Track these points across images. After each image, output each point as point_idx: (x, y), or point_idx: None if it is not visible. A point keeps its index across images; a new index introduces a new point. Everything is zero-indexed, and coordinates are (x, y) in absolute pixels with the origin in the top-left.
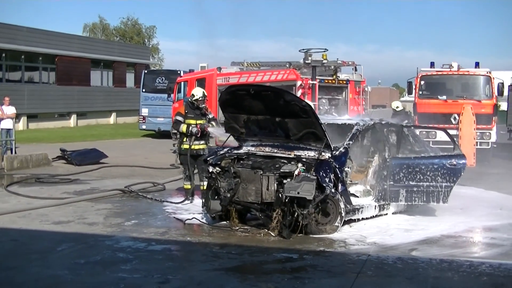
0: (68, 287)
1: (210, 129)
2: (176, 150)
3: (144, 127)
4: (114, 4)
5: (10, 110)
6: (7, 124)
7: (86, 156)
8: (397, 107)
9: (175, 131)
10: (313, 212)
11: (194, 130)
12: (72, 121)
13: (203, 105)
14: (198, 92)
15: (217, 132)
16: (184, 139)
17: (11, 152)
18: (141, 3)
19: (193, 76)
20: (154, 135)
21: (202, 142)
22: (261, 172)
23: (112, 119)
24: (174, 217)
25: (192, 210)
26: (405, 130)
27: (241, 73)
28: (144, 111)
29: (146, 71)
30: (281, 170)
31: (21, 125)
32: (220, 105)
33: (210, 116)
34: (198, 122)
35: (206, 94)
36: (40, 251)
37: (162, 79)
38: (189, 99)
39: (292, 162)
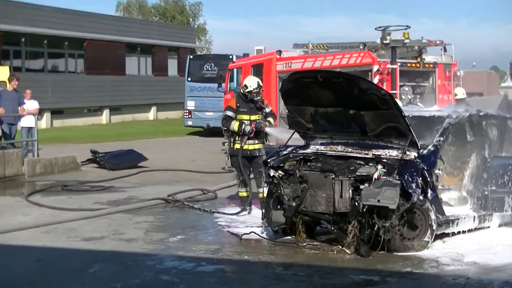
0: None
1: (267, 129)
2: (227, 150)
3: (190, 123)
4: None
5: (32, 105)
6: (29, 121)
7: (121, 159)
8: (456, 94)
9: (225, 128)
10: (397, 224)
11: (248, 129)
12: (104, 117)
13: (258, 97)
14: (251, 82)
15: (276, 132)
16: (236, 138)
17: (33, 155)
18: None
19: (248, 61)
20: (202, 133)
21: (257, 141)
22: (333, 176)
23: (151, 114)
24: (228, 231)
25: (250, 223)
26: (509, 123)
27: (306, 57)
28: (190, 104)
29: (191, 57)
30: (357, 173)
31: (44, 122)
32: (282, 96)
33: (268, 110)
34: (253, 118)
35: (261, 84)
36: (69, 273)
37: (211, 65)
38: (241, 90)
39: (370, 164)
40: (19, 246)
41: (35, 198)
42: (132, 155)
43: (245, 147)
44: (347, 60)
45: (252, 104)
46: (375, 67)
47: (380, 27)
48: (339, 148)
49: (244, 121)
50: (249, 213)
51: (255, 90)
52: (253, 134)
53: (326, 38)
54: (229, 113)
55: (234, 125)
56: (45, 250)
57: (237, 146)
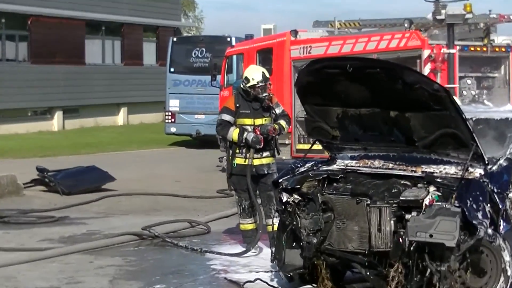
0: None
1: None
2: (224, 166)
3: (173, 129)
4: None
5: None
6: None
7: (79, 180)
8: None
9: (221, 136)
10: (457, 268)
11: (251, 137)
12: (55, 121)
13: (265, 94)
14: (255, 73)
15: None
16: (237, 150)
17: None
18: None
19: (252, 46)
20: (191, 143)
21: (265, 153)
22: (368, 202)
23: (121, 117)
24: (226, 279)
25: (255, 266)
26: None
27: (331, 39)
28: (174, 104)
29: (175, 39)
30: (402, 198)
31: None
32: (298, 93)
33: (278, 111)
34: (258, 122)
35: (268, 76)
36: None
37: (202, 51)
38: (242, 85)
39: (419, 185)
40: None
41: None
42: (94, 174)
43: (252, 162)
44: (387, 43)
45: (257, 104)
46: (426, 52)
47: None
48: (376, 163)
49: (247, 127)
50: (256, 254)
51: (261, 85)
52: (261, 145)
53: (358, 13)
54: (226, 117)
55: (233, 133)
56: None
57: (239, 161)
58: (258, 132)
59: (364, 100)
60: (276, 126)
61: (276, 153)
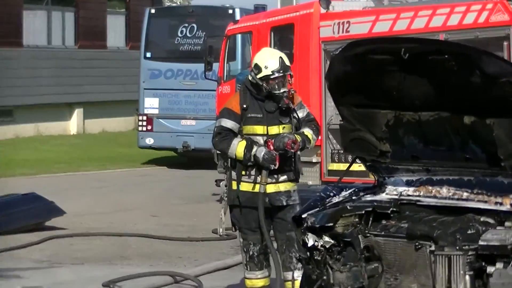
0: None
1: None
2: (224, 195)
3: (150, 141)
4: None
5: None
6: None
7: (12, 213)
8: None
9: (220, 152)
10: None
11: (262, 153)
12: None
13: (283, 90)
14: (270, 59)
15: None
16: (243, 172)
17: None
18: None
19: (265, 21)
20: (175, 161)
21: (284, 176)
22: (432, 247)
23: (74, 123)
24: None
25: None
26: None
27: (378, 12)
28: (151, 105)
29: (153, 11)
30: (482, 243)
31: None
32: (331, 88)
33: (302, 115)
34: (273, 131)
35: (289, 64)
36: None
37: (192, 28)
38: (251, 77)
39: (506, 223)
40: None
41: None
42: (34, 206)
43: (257, 188)
44: (459, 19)
45: (273, 104)
46: None
47: None
48: (444, 191)
49: (257, 137)
50: None
51: (277, 75)
52: (276, 165)
53: None
54: (227, 123)
55: (237, 148)
56: None
57: (245, 187)
58: (272, 147)
59: (426, 99)
60: (299, 138)
61: (298, 176)
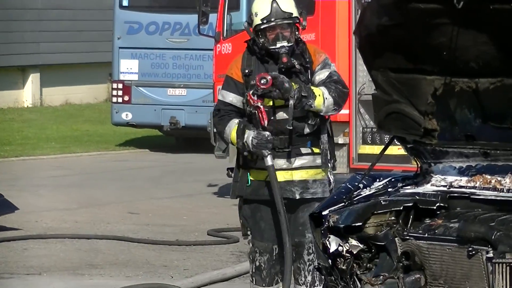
0: None
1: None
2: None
3: (127, 116)
4: None
5: None
6: None
7: None
8: None
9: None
10: None
11: (251, 138)
12: None
13: (279, 45)
14: (260, 3)
15: None
16: (251, 157)
17: None
18: None
19: None
20: (160, 142)
21: (302, 161)
22: (490, 254)
23: (28, 92)
24: None
25: None
26: None
27: None
28: (128, 68)
29: None
30: None
31: None
32: (362, 48)
33: (322, 76)
34: (279, 101)
35: (289, 9)
36: None
37: None
38: (249, 26)
39: None
40: None
41: None
42: None
43: (277, 175)
44: None
45: (275, 66)
46: None
47: None
48: (507, 181)
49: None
50: None
51: (267, 25)
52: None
53: None
54: (228, 96)
55: (232, 134)
56: None
57: (254, 175)
58: (252, 99)
59: (485, 62)
60: (295, 85)
61: (327, 161)
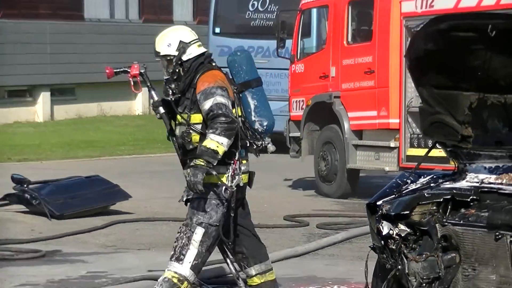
0: None
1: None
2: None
3: None
4: None
5: None
6: None
7: (76, 196)
8: None
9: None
10: None
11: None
12: (40, 107)
13: (164, 78)
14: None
15: None
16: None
17: None
18: None
19: None
20: None
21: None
22: None
23: (139, 102)
24: None
25: None
26: None
27: None
28: None
29: None
30: None
31: None
32: (411, 68)
33: (205, 107)
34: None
35: (160, 49)
36: None
37: (264, 1)
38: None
39: None
40: None
41: None
42: (98, 189)
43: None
44: None
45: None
46: None
47: None
48: None
49: None
50: None
51: (156, 58)
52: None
53: None
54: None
55: None
56: None
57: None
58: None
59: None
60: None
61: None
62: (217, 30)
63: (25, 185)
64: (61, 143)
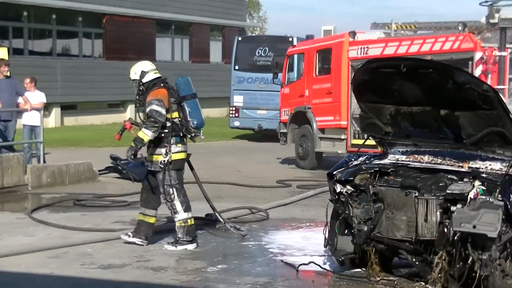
0: None
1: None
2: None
3: (237, 123)
4: None
5: (37, 97)
6: (32, 118)
7: None
8: None
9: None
10: (498, 257)
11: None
12: (129, 114)
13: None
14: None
15: None
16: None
17: (38, 161)
18: None
19: (313, 45)
20: (253, 136)
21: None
22: (416, 194)
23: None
24: (282, 261)
25: (309, 250)
26: None
27: (387, 41)
28: (238, 100)
29: (240, 39)
30: (448, 191)
31: (53, 120)
32: (354, 90)
33: (147, 111)
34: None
35: (131, 76)
36: None
37: (265, 50)
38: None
39: (465, 179)
40: (20, 273)
41: (40, 214)
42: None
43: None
44: (440, 45)
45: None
46: (478, 55)
47: (486, 1)
48: (426, 158)
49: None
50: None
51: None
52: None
53: (415, 16)
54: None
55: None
56: (52, 279)
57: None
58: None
59: (416, 98)
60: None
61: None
62: (237, 67)
63: (118, 161)
64: None
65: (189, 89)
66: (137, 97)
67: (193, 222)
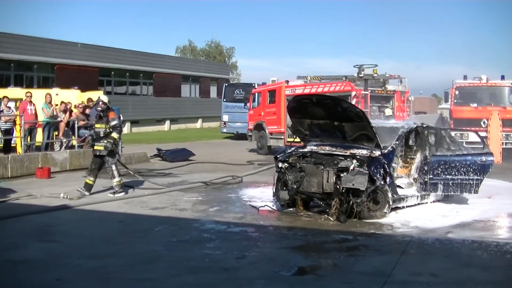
0: (164, 260)
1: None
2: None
3: (225, 130)
4: (200, 28)
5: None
6: None
7: (177, 154)
8: (386, 112)
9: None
10: (366, 200)
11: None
12: (166, 126)
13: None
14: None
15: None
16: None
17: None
18: (223, 28)
19: (265, 88)
20: (233, 137)
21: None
22: (322, 167)
23: (198, 124)
24: (250, 205)
25: (264, 199)
26: (442, 132)
27: (305, 85)
28: (225, 117)
29: (226, 84)
30: (339, 166)
31: (126, 129)
32: (288, 112)
33: (112, 123)
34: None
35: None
36: (141, 231)
37: (240, 90)
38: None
39: (348, 159)
40: (108, 212)
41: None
42: (185, 152)
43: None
44: (334, 88)
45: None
46: (353, 93)
47: (357, 65)
48: (327, 148)
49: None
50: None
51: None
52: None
53: (320, 72)
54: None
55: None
56: (125, 215)
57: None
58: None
59: (321, 116)
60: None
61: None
62: (225, 100)
63: (161, 151)
64: (172, 137)
65: (117, 113)
66: (101, 115)
67: (122, 182)
